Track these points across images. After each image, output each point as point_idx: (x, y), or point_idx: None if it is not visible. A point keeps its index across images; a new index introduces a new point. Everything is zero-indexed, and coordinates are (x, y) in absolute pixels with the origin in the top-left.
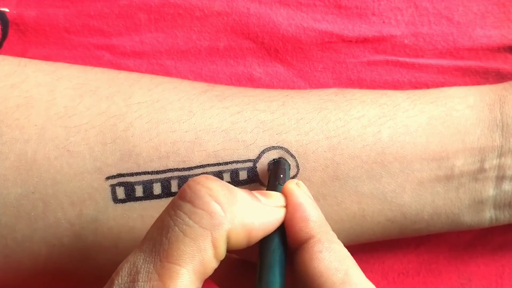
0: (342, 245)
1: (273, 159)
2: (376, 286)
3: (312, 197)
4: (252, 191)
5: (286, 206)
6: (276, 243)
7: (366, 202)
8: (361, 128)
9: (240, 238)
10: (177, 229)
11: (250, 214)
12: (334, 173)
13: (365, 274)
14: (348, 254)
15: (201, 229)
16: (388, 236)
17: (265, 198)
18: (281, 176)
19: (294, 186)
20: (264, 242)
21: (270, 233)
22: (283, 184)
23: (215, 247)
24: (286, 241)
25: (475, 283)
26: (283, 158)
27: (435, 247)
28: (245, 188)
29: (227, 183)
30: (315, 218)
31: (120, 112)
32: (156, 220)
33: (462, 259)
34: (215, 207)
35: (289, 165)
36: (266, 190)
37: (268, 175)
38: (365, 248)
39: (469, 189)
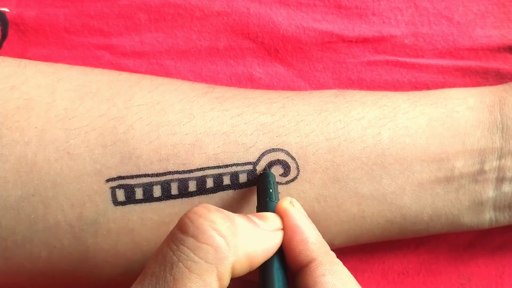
0: (342, 264)
1: (259, 172)
2: (376, 286)
3: (307, 215)
4: (249, 215)
5: (284, 228)
6: (276, 268)
7: (366, 204)
8: (361, 130)
9: (243, 267)
10: (181, 265)
11: (252, 243)
12: (334, 174)
13: (365, 274)
14: (350, 274)
15: (206, 264)
16: (388, 237)
17: (262, 222)
18: (270, 191)
19: (288, 205)
20: (265, 266)
21: (269, 257)
22: (275, 200)
23: (220, 279)
24: (285, 263)
25: (475, 283)
26: (267, 170)
27: (435, 247)
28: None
29: (227, 212)
30: (314, 239)
31: (120, 115)
32: (155, 254)
33: (462, 259)
34: (219, 241)
35: (274, 176)
36: (257, 208)
37: (256, 190)
38: (365, 248)
39: (469, 191)
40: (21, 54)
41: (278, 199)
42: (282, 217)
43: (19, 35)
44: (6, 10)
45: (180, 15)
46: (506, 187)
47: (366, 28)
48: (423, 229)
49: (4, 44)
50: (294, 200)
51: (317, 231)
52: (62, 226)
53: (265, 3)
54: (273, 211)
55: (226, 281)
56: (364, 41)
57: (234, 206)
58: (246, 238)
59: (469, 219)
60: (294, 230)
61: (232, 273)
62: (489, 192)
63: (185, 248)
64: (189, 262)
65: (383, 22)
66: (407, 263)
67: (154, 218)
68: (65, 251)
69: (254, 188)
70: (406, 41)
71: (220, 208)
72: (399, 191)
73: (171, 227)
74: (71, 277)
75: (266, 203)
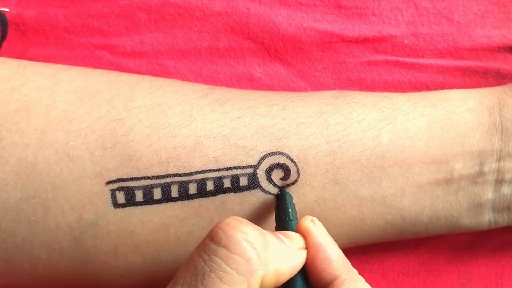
0: (364, 281)
1: (277, 193)
2: (376, 286)
3: (327, 233)
4: (275, 232)
5: (307, 247)
6: (299, 286)
7: (366, 206)
8: (361, 132)
9: (271, 282)
10: (213, 275)
11: (281, 259)
12: (334, 177)
13: (365, 274)
14: None
15: (238, 275)
16: (388, 239)
17: (288, 240)
18: (289, 210)
19: (310, 224)
20: (289, 284)
21: (294, 274)
22: (294, 219)
23: None
24: (308, 282)
25: (475, 283)
26: (284, 190)
27: (435, 247)
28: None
29: (257, 226)
30: (336, 257)
31: (120, 117)
32: (186, 263)
33: (462, 259)
34: (251, 253)
35: (291, 196)
36: (276, 226)
37: (274, 210)
38: (365, 248)
39: (468, 193)
40: (21, 54)
41: (297, 219)
42: (304, 235)
43: (19, 35)
44: (6, 10)
45: (180, 15)
46: (505, 189)
47: (366, 28)
48: (423, 230)
49: (4, 44)
50: (315, 218)
51: (339, 249)
52: (62, 228)
53: (265, 3)
54: (293, 231)
55: None
56: (364, 41)
57: (235, 209)
58: (276, 253)
59: (468, 220)
60: (317, 248)
61: (260, 287)
62: (488, 194)
63: (217, 259)
64: (221, 272)
65: (383, 22)
66: (407, 263)
67: (154, 220)
68: (65, 253)
69: (254, 191)
70: (406, 41)
71: (250, 222)
72: (398, 193)
73: (171, 230)
74: (71, 279)
75: (286, 223)
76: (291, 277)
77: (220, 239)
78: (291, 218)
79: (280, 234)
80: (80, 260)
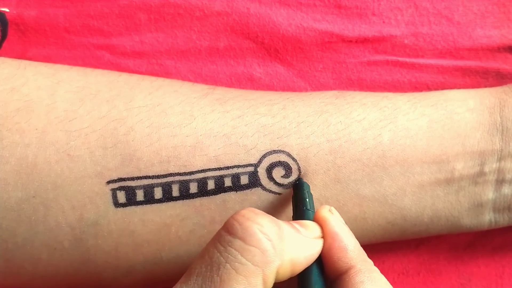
0: (379, 272)
1: (295, 181)
2: None
3: (344, 223)
4: (291, 222)
5: (323, 236)
6: (315, 275)
7: (367, 205)
8: (362, 131)
9: (286, 272)
10: (229, 266)
11: (296, 249)
12: (336, 176)
13: None
14: (387, 281)
15: (253, 266)
16: (388, 238)
17: (304, 229)
18: (307, 200)
19: (328, 213)
20: (305, 274)
21: (310, 264)
22: (311, 209)
23: (265, 283)
24: (324, 271)
25: (475, 283)
26: (302, 179)
27: (435, 247)
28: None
29: (273, 217)
30: (352, 247)
31: (121, 116)
32: (201, 255)
33: (462, 259)
34: (267, 244)
35: (309, 186)
36: (293, 216)
37: (292, 200)
38: (365, 248)
39: (469, 192)
40: (21, 54)
41: (314, 209)
42: (321, 225)
43: (19, 35)
44: (6, 10)
45: (180, 15)
46: (505, 189)
47: (366, 28)
48: (423, 230)
49: (4, 44)
50: (332, 208)
51: (355, 239)
52: (63, 228)
53: (265, 3)
54: (310, 220)
55: (270, 284)
56: (364, 41)
57: (236, 208)
58: (291, 243)
59: (468, 220)
60: (333, 237)
61: (276, 278)
62: (489, 194)
63: (233, 250)
64: (236, 263)
65: (383, 22)
66: (407, 263)
67: (155, 219)
68: (65, 253)
69: (255, 189)
70: (406, 41)
71: (266, 213)
72: (399, 192)
73: (172, 229)
74: (72, 278)
75: (303, 212)
76: (307, 266)
77: (236, 231)
78: (308, 207)
79: (296, 223)
80: (81, 259)
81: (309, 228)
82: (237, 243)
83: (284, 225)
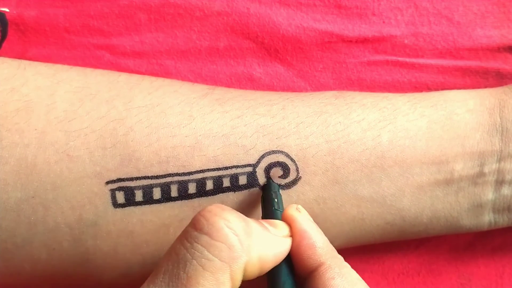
0: (350, 267)
1: (263, 184)
2: (376, 286)
3: (313, 221)
4: (260, 220)
5: (292, 235)
6: (285, 273)
7: (366, 206)
8: (361, 132)
9: (255, 270)
10: (195, 262)
11: (264, 246)
12: (334, 176)
13: (365, 274)
14: (358, 276)
15: (220, 262)
16: (387, 239)
17: (273, 227)
18: (275, 200)
19: (295, 212)
20: (273, 272)
21: (278, 262)
22: (280, 209)
23: (232, 279)
24: (293, 269)
25: (475, 283)
26: (271, 180)
27: (435, 247)
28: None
29: (240, 213)
30: (321, 244)
31: (120, 117)
32: (168, 252)
33: (462, 259)
34: (233, 239)
35: (278, 186)
36: (262, 216)
37: (260, 200)
38: (365, 248)
39: (468, 193)
40: (21, 54)
41: (283, 208)
42: (289, 223)
43: (19, 35)
44: (6, 10)
45: (180, 15)
46: (505, 190)
47: (366, 28)
48: (422, 231)
49: (4, 44)
50: (300, 206)
51: (324, 236)
52: (62, 228)
53: (265, 3)
54: (279, 219)
55: (238, 281)
56: (364, 41)
57: (235, 208)
58: (259, 240)
59: (468, 221)
60: (301, 235)
61: (243, 275)
62: (489, 194)
63: (199, 246)
64: (203, 259)
65: (383, 22)
66: (407, 263)
67: (154, 220)
68: (64, 253)
69: (254, 190)
70: (406, 41)
71: (233, 209)
72: (398, 193)
73: (171, 229)
74: (71, 279)
75: (271, 212)
76: (276, 264)
77: (202, 226)
78: (277, 207)
79: (265, 222)
80: (80, 260)
81: (277, 226)
82: (204, 238)
83: (252, 222)
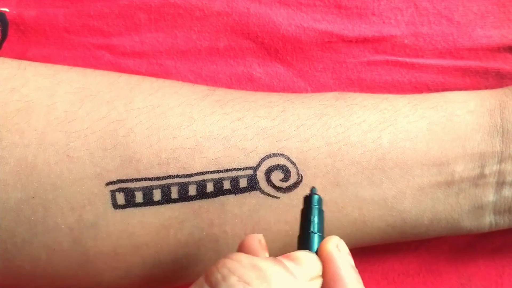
0: None
1: (306, 195)
2: (376, 286)
3: (353, 264)
4: (281, 258)
5: (323, 275)
6: None
7: (367, 208)
8: (361, 134)
9: None
10: None
11: None
12: (335, 179)
13: (365, 274)
14: None
15: None
16: (388, 241)
17: (296, 266)
18: (315, 220)
19: (334, 250)
20: None
21: None
22: (318, 232)
23: None
24: None
25: (475, 283)
26: (315, 191)
27: (435, 247)
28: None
29: (260, 262)
30: None
31: (121, 118)
32: None
33: (462, 259)
34: None
35: (321, 200)
36: (298, 238)
37: (300, 214)
38: (365, 248)
39: (469, 195)
40: (21, 54)
41: (323, 231)
42: (324, 261)
43: (19, 35)
44: (6, 10)
45: (180, 15)
46: (506, 191)
47: (366, 28)
48: (423, 232)
49: (4, 44)
50: (341, 242)
51: (363, 286)
52: (62, 229)
53: (265, 3)
54: (314, 245)
55: None
56: (364, 41)
57: (235, 211)
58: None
59: (469, 222)
60: (336, 281)
61: None
62: (489, 196)
63: None
64: None
65: (383, 22)
66: (407, 263)
67: (154, 221)
68: (65, 254)
69: (255, 192)
70: (406, 41)
71: (250, 257)
72: (399, 195)
73: (171, 231)
74: (71, 279)
75: (307, 235)
76: None
77: (217, 284)
78: (315, 230)
79: (288, 260)
80: (80, 261)
81: (304, 264)
82: None
83: (269, 268)
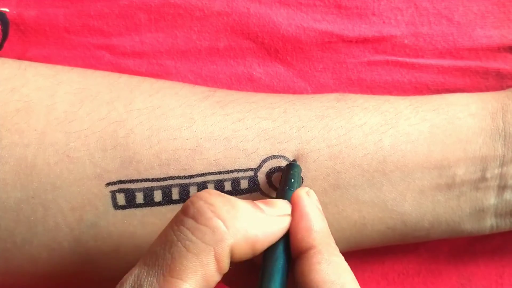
0: (342, 258)
1: (287, 163)
2: (376, 286)
3: (320, 208)
4: (255, 201)
5: (292, 215)
6: (279, 252)
7: (367, 211)
8: (362, 137)
9: (244, 251)
10: (180, 244)
11: (253, 227)
12: (335, 181)
13: (365, 274)
14: (348, 268)
15: (203, 244)
16: (388, 243)
17: (268, 207)
18: (292, 180)
19: (303, 194)
20: (268, 250)
21: (275, 242)
22: (293, 189)
23: (218, 261)
24: (290, 250)
25: (475, 283)
26: (296, 162)
27: (435, 247)
28: (247, 198)
29: (230, 196)
30: (318, 228)
31: (121, 118)
32: (159, 234)
33: (462, 259)
34: (217, 223)
35: (300, 169)
36: (276, 194)
37: (280, 178)
38: (365, 248)
39: (470, 198)
40: (21, 54)
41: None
42: (294, 204)
43: (19, 35)
44: (6, 10)
45: (180, 15)
46: (507, 195)
47: (366, 28)
48: (424, 235)
49: (5, 44)
50: (311, 191)
51: (325, 223)
52: (62, 229)
53: (265, 3)
54: (288, 199)
55: (225, 263)
56: (364, 41)
57: None
58: (247, 221)
59: (470, 225)
60: (301, 216)
61: (233, 256)
62: (491, 199)
63: (185, 229)
64: (187, 242)
65: (383, 22)
66: (407, 263)
67: (155, 222)
68: (65, 254)
69: (256, 194)
70: (406, 41)
71: (222, 193)
72: (400, 198)
73: None
74: (72, 279)
75: (283, 191)
76: (269, 244)
77: (188, 211)
78: (292, 188)
79: (260, 202)
80: (81, 260)
81: (275, 206)
82: (189, 222)
83: (240, 204)
